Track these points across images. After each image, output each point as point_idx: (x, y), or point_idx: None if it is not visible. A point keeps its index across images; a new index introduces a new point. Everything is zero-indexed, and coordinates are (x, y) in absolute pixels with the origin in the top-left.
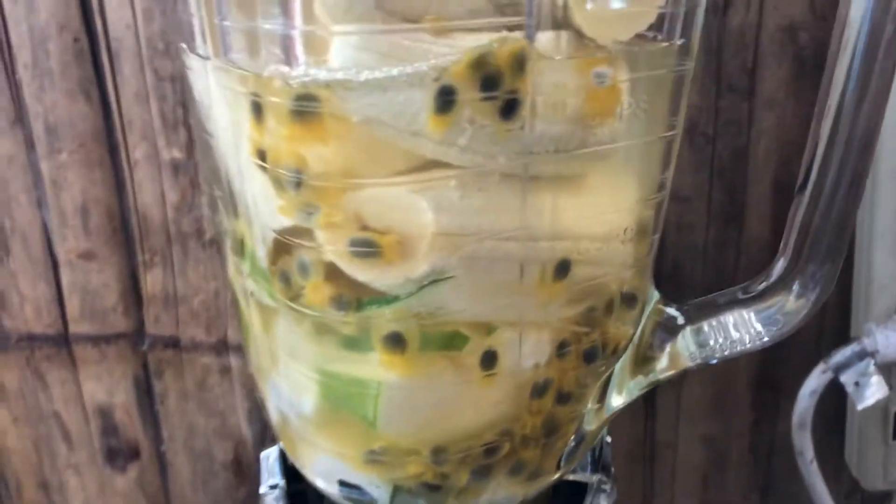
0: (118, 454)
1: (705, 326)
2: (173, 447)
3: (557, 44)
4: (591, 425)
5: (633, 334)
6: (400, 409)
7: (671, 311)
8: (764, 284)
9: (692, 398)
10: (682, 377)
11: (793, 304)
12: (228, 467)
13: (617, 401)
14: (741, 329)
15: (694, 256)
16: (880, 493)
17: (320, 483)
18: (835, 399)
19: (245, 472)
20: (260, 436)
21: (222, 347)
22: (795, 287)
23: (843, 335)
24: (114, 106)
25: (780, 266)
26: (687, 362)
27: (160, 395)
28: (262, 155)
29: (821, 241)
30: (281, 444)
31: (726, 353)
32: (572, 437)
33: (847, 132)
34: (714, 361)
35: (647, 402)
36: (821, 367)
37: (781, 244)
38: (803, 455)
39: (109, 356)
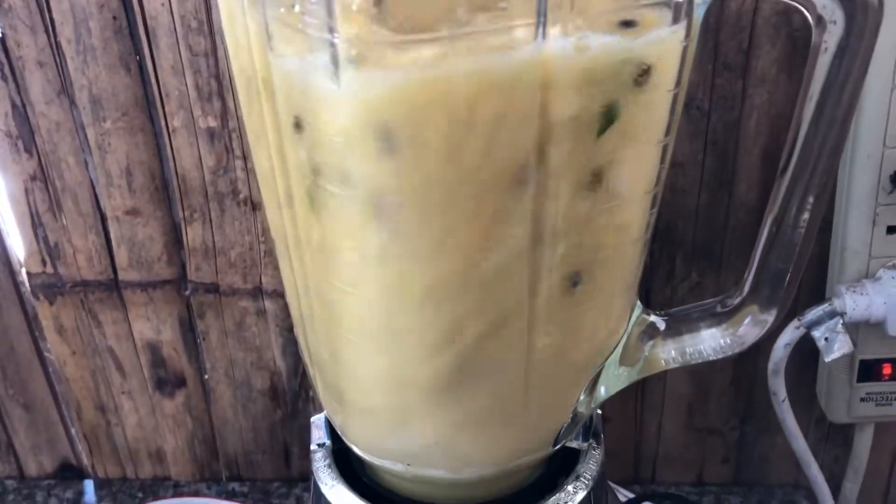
0: (166, 382)
1: (684, 336)
2: (215, 377)
3: None
4: (583, 410)
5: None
6: None
7: (653, 318)
8: (738, 299)
9: None
10: None
11: (755, 322)
12: (266, 394)
13: (604, 393)
14: (712, 341)
15: (686, 217)
16: (844, 425)
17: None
18: (810, 343)
19: (280, 398)
20: (293, 368)
21: (258, 293)
22: (756, 309)
23: (819, 293)
24: (152, 78)
25: (746, 288)
26: (665, 365)
27: (202, 332)
28: None
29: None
30: (326, 411)
31: (700, 360)
32: (568, 418)
33: (828, 117)
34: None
35: None
36: (795, 322)
37: (746, 273)
38: (776, 395)
39: (156, 299)
